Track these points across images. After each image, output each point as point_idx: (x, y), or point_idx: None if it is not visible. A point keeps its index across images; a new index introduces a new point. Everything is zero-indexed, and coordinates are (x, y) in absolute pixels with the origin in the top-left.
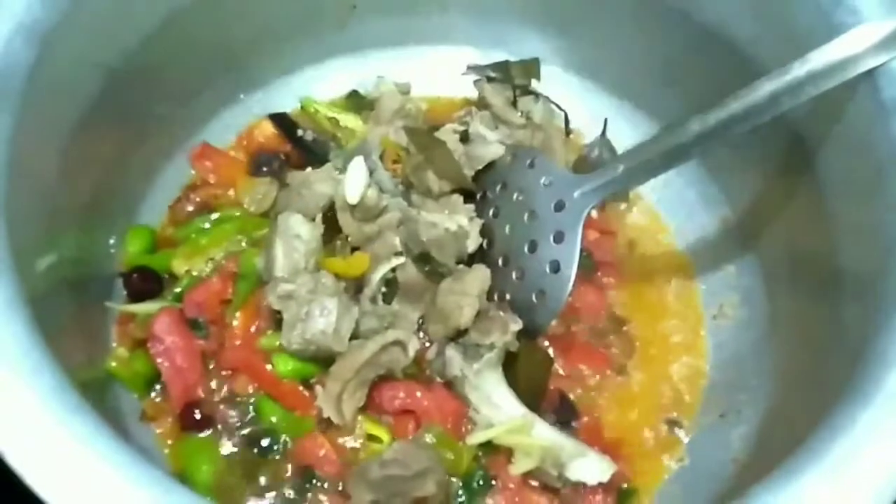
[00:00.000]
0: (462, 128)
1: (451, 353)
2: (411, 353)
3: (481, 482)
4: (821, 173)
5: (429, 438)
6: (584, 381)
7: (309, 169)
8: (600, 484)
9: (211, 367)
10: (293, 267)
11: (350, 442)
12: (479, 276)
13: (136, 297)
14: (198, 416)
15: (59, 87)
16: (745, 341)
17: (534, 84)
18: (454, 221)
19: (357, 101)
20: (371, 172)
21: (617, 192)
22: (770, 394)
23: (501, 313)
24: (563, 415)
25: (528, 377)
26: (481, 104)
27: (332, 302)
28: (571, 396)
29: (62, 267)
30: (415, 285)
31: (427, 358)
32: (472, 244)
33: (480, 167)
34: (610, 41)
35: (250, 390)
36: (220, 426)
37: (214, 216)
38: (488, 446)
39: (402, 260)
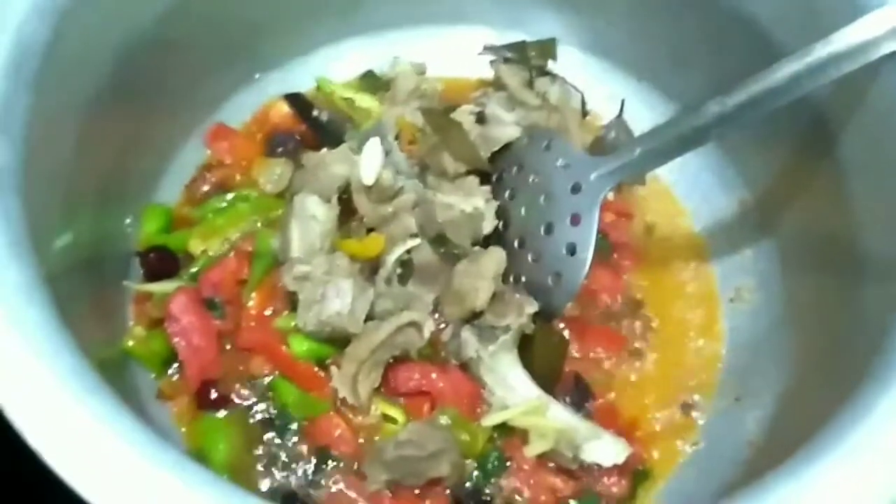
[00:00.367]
0: (478, 109)
1: (467, 334)
2: (426, 334)
3: (496, 463)
4: (842, 156)
5: (444, 420)
6: (599, 363)
7: (324, 150)
8: (615, 466)
9: (227, 346)
10: (309, 248)
11: (365, 422)
12: (495, 258)
13: (152, 276)
14: (214, 396)
15: (74, 66)
16: (761, 325)
17: (550, 65)
18: (470, 203)
19: (372, 82)
20: (387, 153)
21: (634, 174)
22: (786, 378)
23: (517, 295)
24: (579, 397)
25: (543, 359)
26: (497, 85)
27: (347, 283)
28: (586, 379)
29: (79, 246)
30: (430, 267)
31: (442, 339)
32: (487, 226)
33: (496, 149)
34: (627, 21)
35: (266, 370)
36: (236, 405)
37: (230, 196)
38: (503, 428)
39: (417, 241)
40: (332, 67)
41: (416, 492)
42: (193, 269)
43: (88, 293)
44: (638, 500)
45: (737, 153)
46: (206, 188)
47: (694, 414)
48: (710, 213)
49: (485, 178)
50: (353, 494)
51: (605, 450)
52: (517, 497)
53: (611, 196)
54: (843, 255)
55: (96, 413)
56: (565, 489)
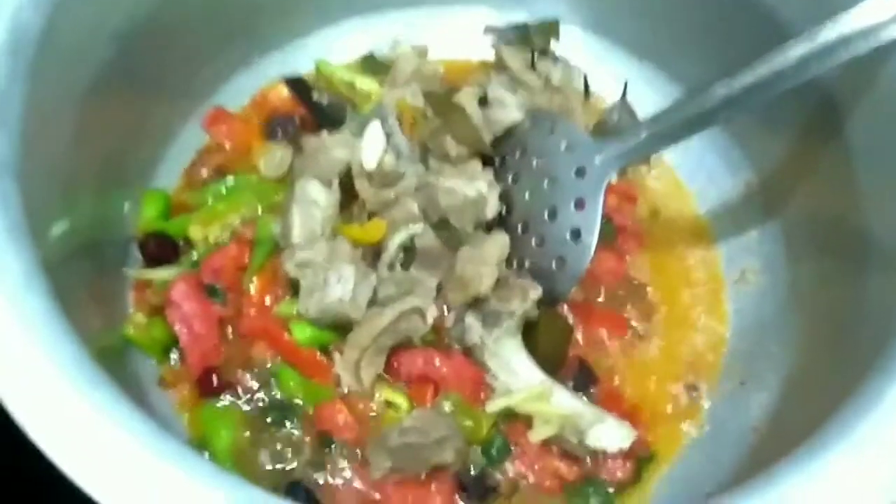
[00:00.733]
0: (480, 92)
1: (471, 320)
2: (430, 320)
3: (500, 449)
4: (850, 138)
5: (447, 406)
6: (603, 347)
7: (325, 133)
8: (620, 451)
9: (229, 333)
10: (310, 233)
11: (369, 409)
12: (499, 243)
13: (152, 262)
14: (216, 383)
15: (70, 53)
16: (766, 308)
17: (553, 45)
18: (473, 188)
19: (373, 64)
20: (388, 137)
21: (640, 158)
22: (792, 362)
23: (521, 281)
24: (583, 381)
25: (547, 344)
26: (499, 67)
27: (348, 269)
28: (591, 363)
29: (78, 232)
30: (433, 252)
31: (445, 325)
32: (490, 210)
33: (499, 132)
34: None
35: (268, 357)
36: (238, 393)
37: (230, 181)
38: (507, 413)
39: (419, 226)
40: (331, 49)
41: (421, 478)
42: (194, 256)
43: (88, 280)
44: (643, 484)
45: (742, 134)
46: (205, 173)
47: (698, 398)
48: (715, 195)
49: (487, 162)
50: (356, 482)
51: (610, 434)
52: (522, 482)
53: (614, 179)
54: (849, 240)
55: (98, 404)
56: (570, 474)
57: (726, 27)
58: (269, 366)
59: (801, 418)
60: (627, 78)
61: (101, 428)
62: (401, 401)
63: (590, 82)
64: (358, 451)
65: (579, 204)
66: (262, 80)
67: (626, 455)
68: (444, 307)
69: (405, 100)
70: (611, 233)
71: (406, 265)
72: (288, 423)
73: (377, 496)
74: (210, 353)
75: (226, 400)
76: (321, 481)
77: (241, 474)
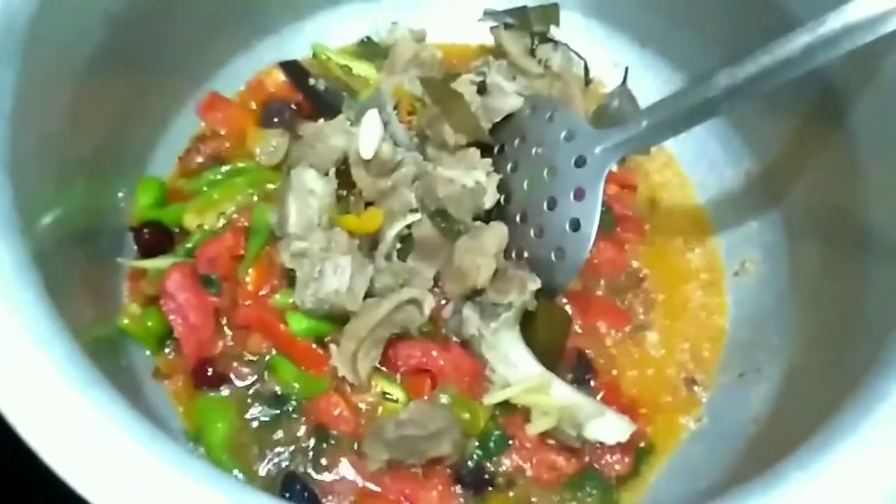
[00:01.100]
0: (479, 78)
1: (468, 312)
2: (427, 311)
3: (498, 442)
4: (852, 127)
5: (444, 399)
6: (602, 338)
7: (322, 121)
8: (619, 443)
9: (224, 324)
10: (306, 223)
11: (365, 401)
12: (497, 233)
13: (147, 252)
14: (211, 374)
15: (62, 38)
16: (766, 299)
17: (552, 31)
18: (471, 177)
19: (370, 49)
20: (385, 125)
21: (640, 148)
22: (791, 354)
23: (519, 272)
24: (581, 373)
25: (546, 336)
26: (498, 52)
27: (345, 260)
28: (589, 354)
29: (71, 221)
30: (431, 242)
31: (443, 316)
32: (489, 200)
33: (498, 119)
34: None
35: (264, 348)
36: (234, 384)
37: (225, 168)
38: (505, 406)
39: (417, 216)
40: (329, 33)
41: (418, 471)
42: (189, 245)
43: (81, 270)
44: (641, 476)
45: (744, 123)
46: (200, 160)
47: (697, 390)
48: (716, 184)
49: (486, 151)
50: (353, 474)
51: (609, 427)
52: (519, 475)
53: (614, 167)
54: (852, 230)
55: (93, 403)
56: (568, 467)
57: (729, 14)
58: (265, 357)
59: (801, 411)
60: (629, 64)
61: (96, 428)
62: (398, 393)
63: (590, 68)
64: (355, 443)
65: (579, 194)
66: (258, 64)
67: (624, 448)
68: (442, 298)
69: (403, 87)
70: (610, 222)
71: (403, 256)
72: (284, 416)
73: (374, 488)
74: (205, 344)
75: (221, 391)
76: (317, 474)
77: (237, 467)
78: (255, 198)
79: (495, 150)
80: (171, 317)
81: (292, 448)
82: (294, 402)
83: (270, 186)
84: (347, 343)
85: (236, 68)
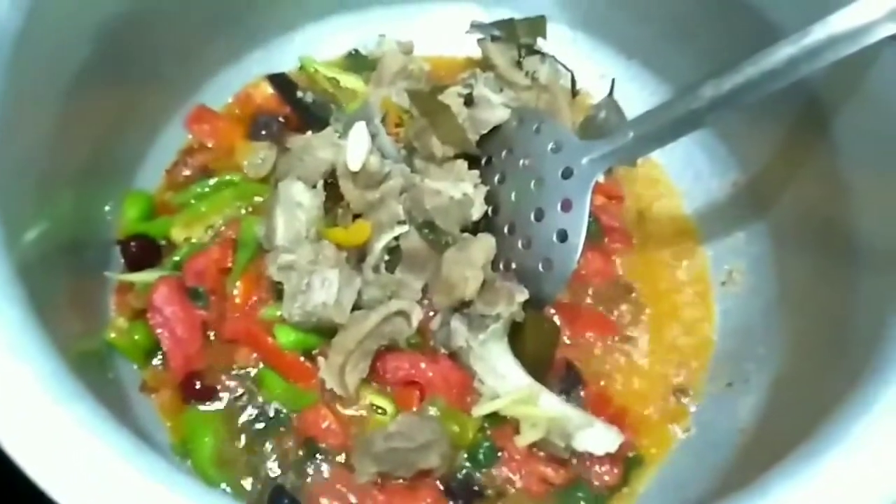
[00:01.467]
0: (466, 90)
1: (456, 323)
2: (415, 323)
3: (487, 454)
4: (837, 138)
5: (433, 411)
6: (590, 349)
7: (309, 133)
8: (607, 454)
9: (212, 337)
10: (294, 235)
11: (354, 413)
12: (485, 245)
13: (134, 266)
14: (198, 387)
15: (49, 51)
16: (753, 309)
17: (539, 43)
18: (458, 189)
19: (358, 61)
20: (373, 138)
21: (627, 159)
22: (778, 364)
23: (507, 283)
24: (570, 384)
25: (534, 348)
26: (485, 64)
27: (333, 273)
28: (578, 365)
29: (57, 234)
30: (418, 254)
31: (431, 328)
32: (476, 212)
33: (485, 131)
34: None
35: (252, 362)
36: (221, 397)
37: (213, 181)
38: (494, 417)
39: (405, 228)
40: (316, 46)
41: (407, 483)
42: (176, 258)
43: (68, 283)
44: (630, 487)
45: (730, 134)
46: (187, 173)
47: (685, 400)
48: (702, 195)
49: (473, 162)
50: (341, 487)
51: (598, 438)
52: (509, 487)
53: (601, 178)
54: (838, 240)
55: (79, 419)
56: (557, 478)
57: (715, 27)
58: (252, 371)
59: (788, 420)
60: (615, 76)
61: (82, 443)
62: (386, 405)
63: (577, 80)
64: (343, 456)
65: (566, 205)
66: (245, 77)
67: (613, 458)
68: (430, 310)
69: (390, 99)
70: (598, 233)
71: (391, 268)
72: (272, 429)
73: (362, 501)
74: (193, 357)
75: (209, 405)
76: (306, 488)
77: (225, 481)
78: (243, 211)
79: (483, 161)
80: (159, 330)
81: (280, 462)
82: (282, 416)
83: (258, 199)
84: (335, 356)
85: (224, 81)
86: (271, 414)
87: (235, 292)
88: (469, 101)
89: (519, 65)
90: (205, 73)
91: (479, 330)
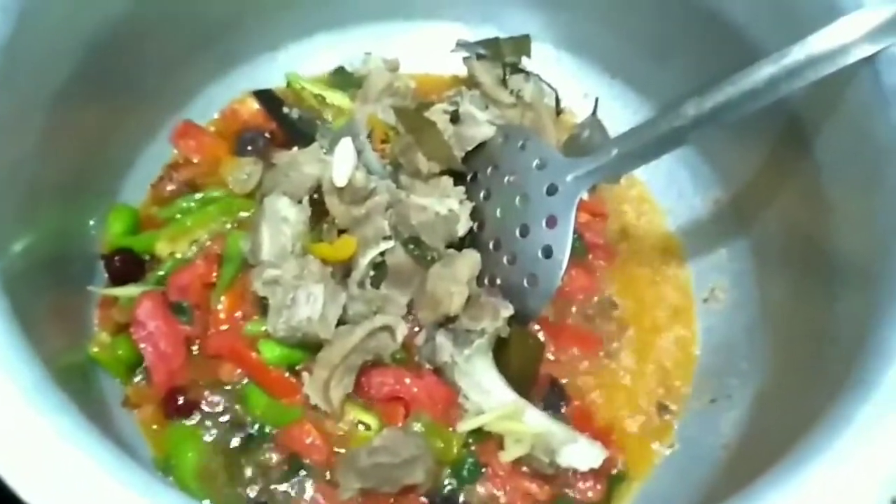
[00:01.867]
0: (452, 108)
1: (441, 339)
2: (399, 338)
3: (471, 469)
4: (818, 156)
5: (417, 426)
6: (574, 365)
7: (295, 149)
8: (591, 470)
9: (195, 352)
10: (280, 251)
11: (338, 429)
12: (470, 261)
13: (118, 280)
14: (181, 403)
15: (36, 62)
16: (736, 325)
17: (524, 62)
18: (444, 205)
19: (344, 78)
20: (359, 154)
21: (610, 176)
22: (761, 379)
23: (492, 299)
24: (554, 400)
25: (519, 363)
26: (471, 82)
27: (318, 288)
28: (562, 381)
29: (41, 248)
30: (404, 269)
31: (416, 344)
32: (462, 228)
33: (471, 148)
34: (602, 17)
35: (236, 377)
36: (205, 413)
37: (198, 196)
38: (479, 433)
39: (390, 244)
40: (302, 63)
41: (391, 500)
42: (160, 272)
43: (51, 297)
44: (613, 503)
45: (713, 152)
46: (172, 187)
47: (669, 416)
48: (685, 212)
49: (459, 179)
50: (325, 503)
51: (582, 454)
52: (493, 503)
53: (585, 195)
54: (819, 258)
55: (61, 431)
56: (541, 494)
57: (697, 46)
58: (236, 386)
59: (771, 435)
60: (598, 95)
61: (64, 456)
62: (371, 421)
63: (561, 98)
64: (327, 472)
65: (551, 221)
66: (231, 92)
67: (597, 474)
68: (415, 325)
69: (376, 116)
70: (582, 249)
71: (376, 283)
72: (255, 445)
73: None
74: (176, 372)
75: (192, 420)
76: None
77: (207, 496)
78: (228, 226)
79: (468, 178)
80: (142, 345)
81: (264, 478)
82: (266, 431)
83: (244, 214)
84: (320, 371)
85: (210, 96)
86: (255, 429)
87: (220, 307)
88: (455, 118)
89: (504, 83)
90: (191, 88)
91: (464, 345)
